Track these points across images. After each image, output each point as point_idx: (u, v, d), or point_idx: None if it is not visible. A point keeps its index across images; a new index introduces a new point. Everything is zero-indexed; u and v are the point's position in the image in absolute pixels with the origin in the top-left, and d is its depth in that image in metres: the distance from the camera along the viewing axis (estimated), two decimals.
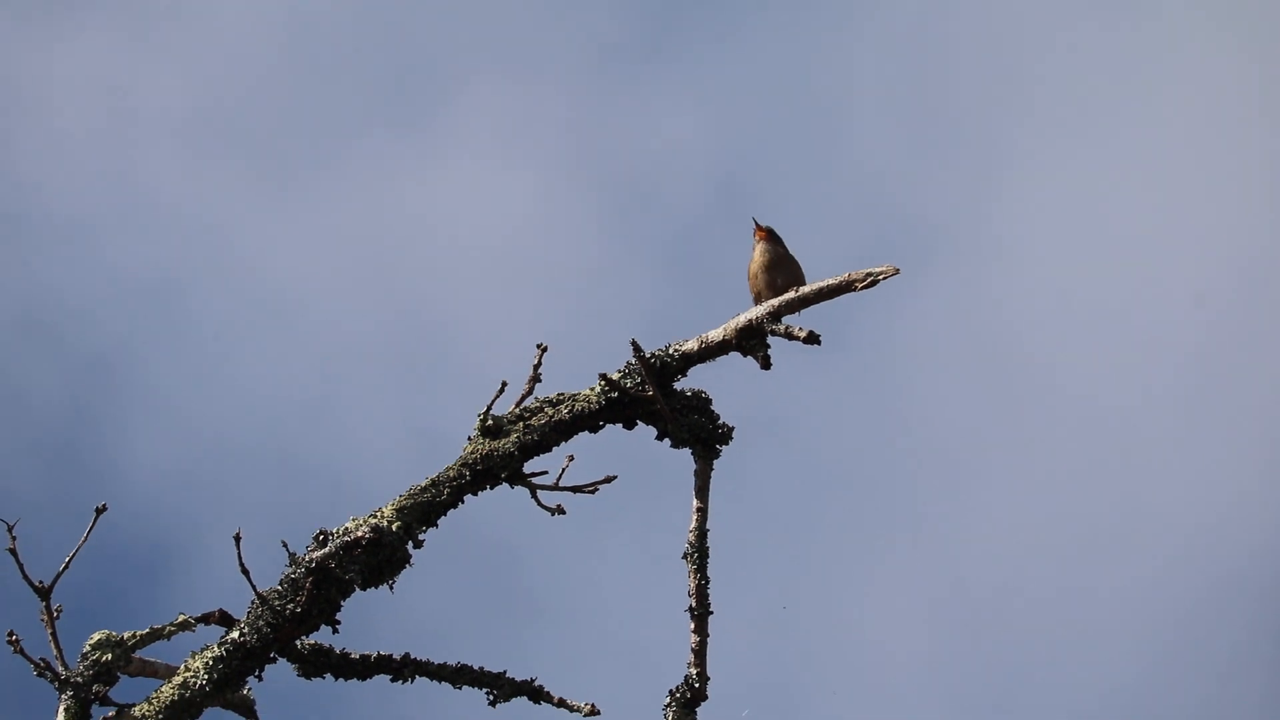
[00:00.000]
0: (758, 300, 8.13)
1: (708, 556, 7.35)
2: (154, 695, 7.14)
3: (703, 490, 7.44)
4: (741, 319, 7.55)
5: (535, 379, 7.59)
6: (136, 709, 7.14)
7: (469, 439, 7.47)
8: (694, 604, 7.30)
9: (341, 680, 7.38)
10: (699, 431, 7.46)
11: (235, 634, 7.17)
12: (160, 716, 7.09)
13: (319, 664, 7.36)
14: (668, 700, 7.24)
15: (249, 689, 7.40)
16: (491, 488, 7.44)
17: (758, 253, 8.25)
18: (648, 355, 7.46)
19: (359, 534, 7.18)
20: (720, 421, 7.48)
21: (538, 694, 7.32)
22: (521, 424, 7.48)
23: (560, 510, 7.54)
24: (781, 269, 8.14)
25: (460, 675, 7.35)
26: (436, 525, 7.34)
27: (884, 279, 7.38)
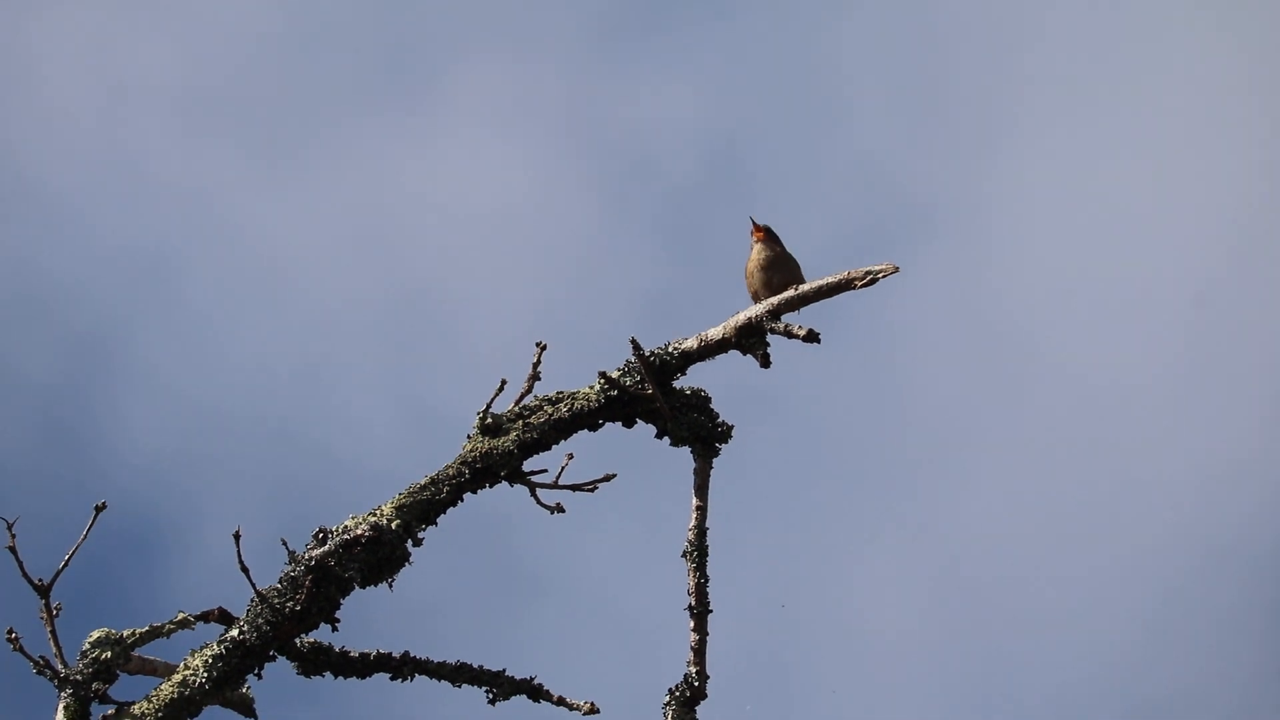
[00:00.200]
0: (755, 299, 8.12)
1: (707, 555, 7.36)
2: (153, 693, 7.15)
3: (702, 488, 7.44)
4: (741, 317, 7.55)
5: (534, 377, 7.59)
6: (136, 707, 7.14)
7: (468, 437, 7.47)
8: (693, 602, 7.30)
9: (341, 678, 7.39)
10: (698, 430, 7.46)
11: (235, 632, 7.17)
12: (160, 714, 7.09)
13: (318, 662, 7.36)
14: (667, 699, 7.24)
15: (248, 687, 7.41)
16: (491, 486, 7.44)
17: (755, 252, 8.23)
18: (647, 353, 7.46)
19: (358, 532, 7.18)
20: (720, 420, 7.48)
21: (537, 692, 7.33)
22: (521, 422, 7.48)
23: (559, 509, 7.54)
24: (779, 268, 8.13)
25: (460, 673, 7.36)
26: (436, 523, 7.34)
27: (883, 277, 7.37)
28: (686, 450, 7.48)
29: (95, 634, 7.31)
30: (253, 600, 7.17)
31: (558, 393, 7.55)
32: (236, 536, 6.97)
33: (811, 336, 7.35)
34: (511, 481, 7.47)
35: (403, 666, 7.39)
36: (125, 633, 7.33)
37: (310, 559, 7.15)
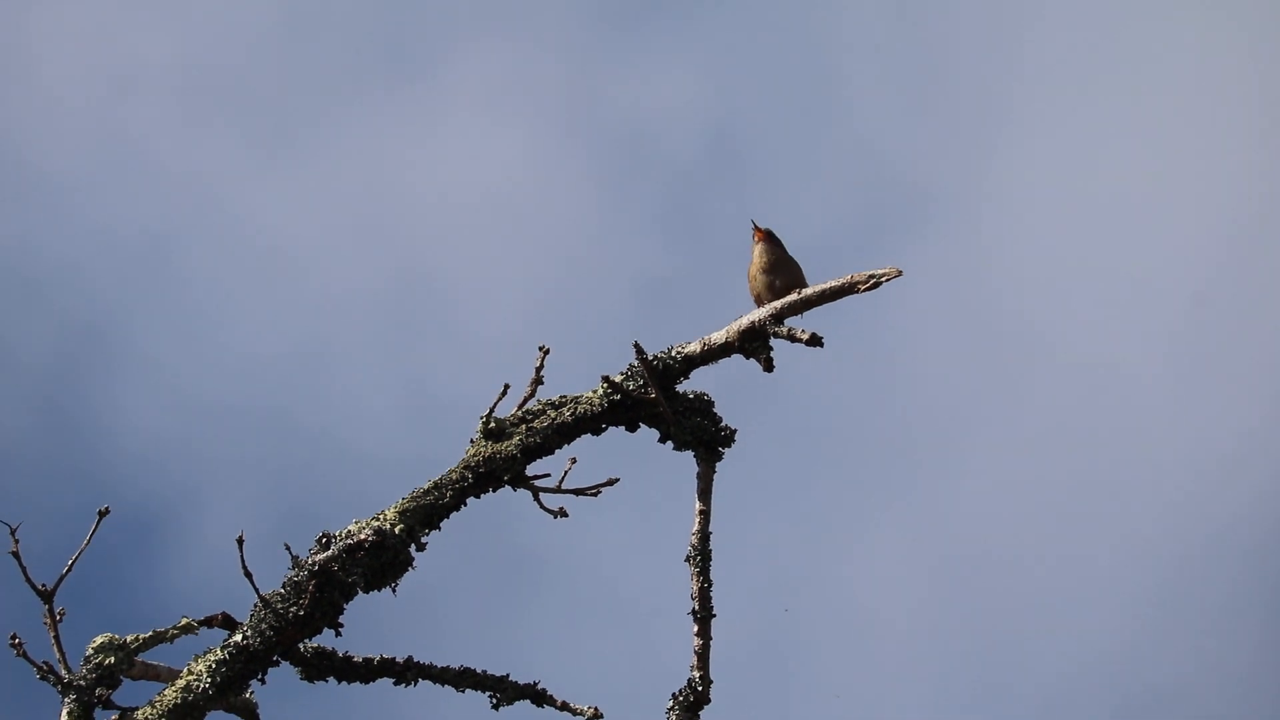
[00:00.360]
0: (758, 302, 8.11)
1: (710, 559, 7.36)
2: (157, 698, 7.15)
3: (705, 493, 7.44)
4: (744, 321, 7.54)
5: (538, 381, 7.58)
6: (139, 712, 7.14)
7: (471, 441, 7.46)
8: (696, 607, 7.30)
9: (344, 683, 7.39)
10: (701, 434, 7.46)
11: (238, 637, 7.17)
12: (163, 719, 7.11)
13: (322, 667, 7.36)
14: (671, 703, 7.25)
15: (252, 692, 7.41)
16: (494, 490, 7.43)
17: (757, 255, 8.23)
18: (650, 357, 7.45)
19: (362, 537, 7.18)
20: (723, 424, 7.48)
21: (540, 697, 7.33)
22: (524, 426, 7.47)
23: (563, 513, 7.54)
24: (781, 271, 8.12)
25: (463, 678, 7.36)
26: (439, 528, 7.34)
27: (886, 280, 7.37)
28: (689, 454, 7.48)
29: (98, 639, 7.31)
30: (256, 605, 7.16)
31: (560, 397, 7.55)
32: (240, 541, 6.97)
33: (815, 340, 7.35)
34: (515, 486, 7.47)
35: (406, 671, 7.39)
36: (128, 638, 7.33)
37: (314, 564, 7.15)
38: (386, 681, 7.39)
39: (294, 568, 7.18)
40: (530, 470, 7.47)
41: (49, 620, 7.27)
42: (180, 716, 7.10)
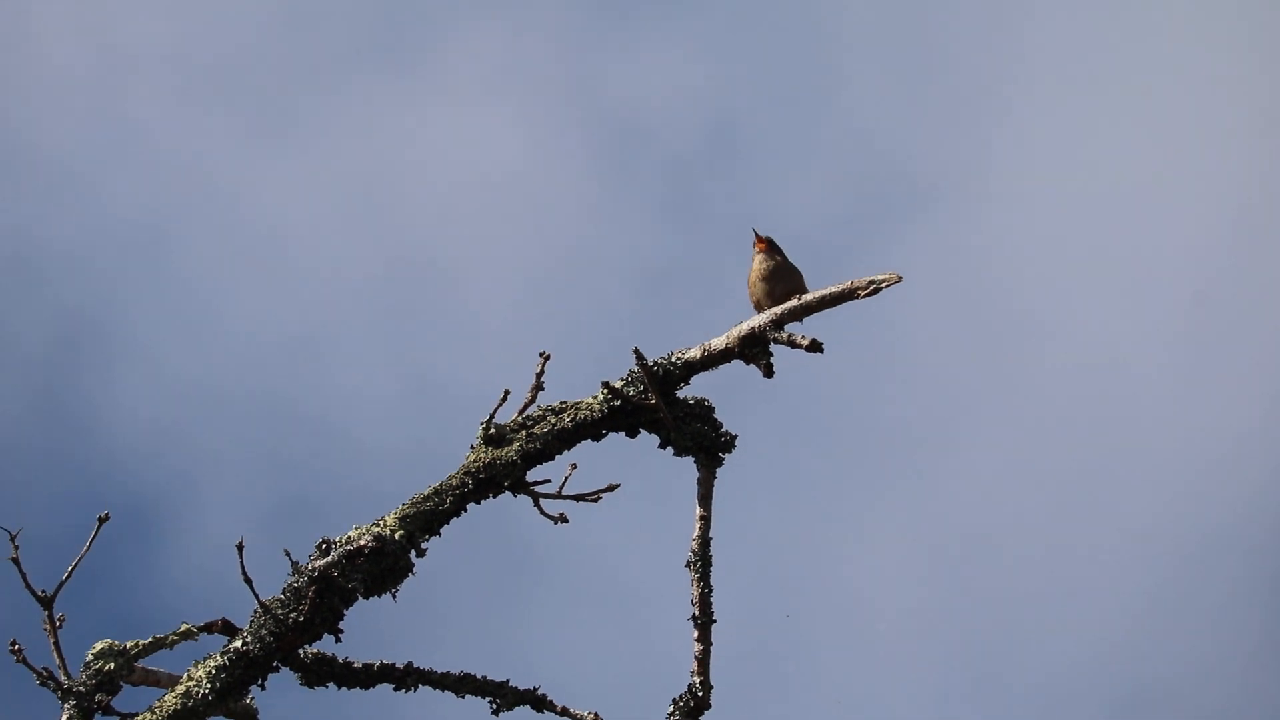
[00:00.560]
0: (758, 308, 8.14)
1: (711, 565, 7.36)
2: (156, 704, 7.15)
3: (705, 498, 7.44)
4: (744, 326, 7.54)
5: (538, 387, 7.58)
6: (139, 718, 7.14)
7: (471, 447, 7.46)
8: (697, 612, 7.31)
9: (344, 689, 7.40)
10: (702, 440, 7.46)
11: (238, 643, 7.18)
12: None
13: (322, 673, 7.36)
14: (671, 709, 7.25)
15: (252, 698, 7.40)
16: (494, 496, 7.43)
17: (757, 262, 8.26)
18: (650, 363, 7.45)
19: (361, 543, 7.18)
20: (723, 429, 7.48)
21: (540, 703, 7.33)
22: (524, 432, 7.47)
23: (563, 518, 7.53)
24: (781, 278, 8.16)
25: (463, 684, 7.37)
26: (439, 534, 7.35)
27: (886, 286, 7.36)
28: (690, 460, 7.48)
29: (98, 645, 7.31)
30: (256, 611, 7.17)
31: (561, 403, 7.55)
32: (239, 547, 6.98)
33: (815, 346, 7.35)
34: (515, 492, 7.47)
35: (406, 677, 7.39)
36: (128, 644, 7.33)
37: (314, 570, 7.15)
38: (386, 687, 7.40)
39: (294, 574, 7.18)
40: (530, 476, 7.47)
41: (48, 626, 7.26)
42: None
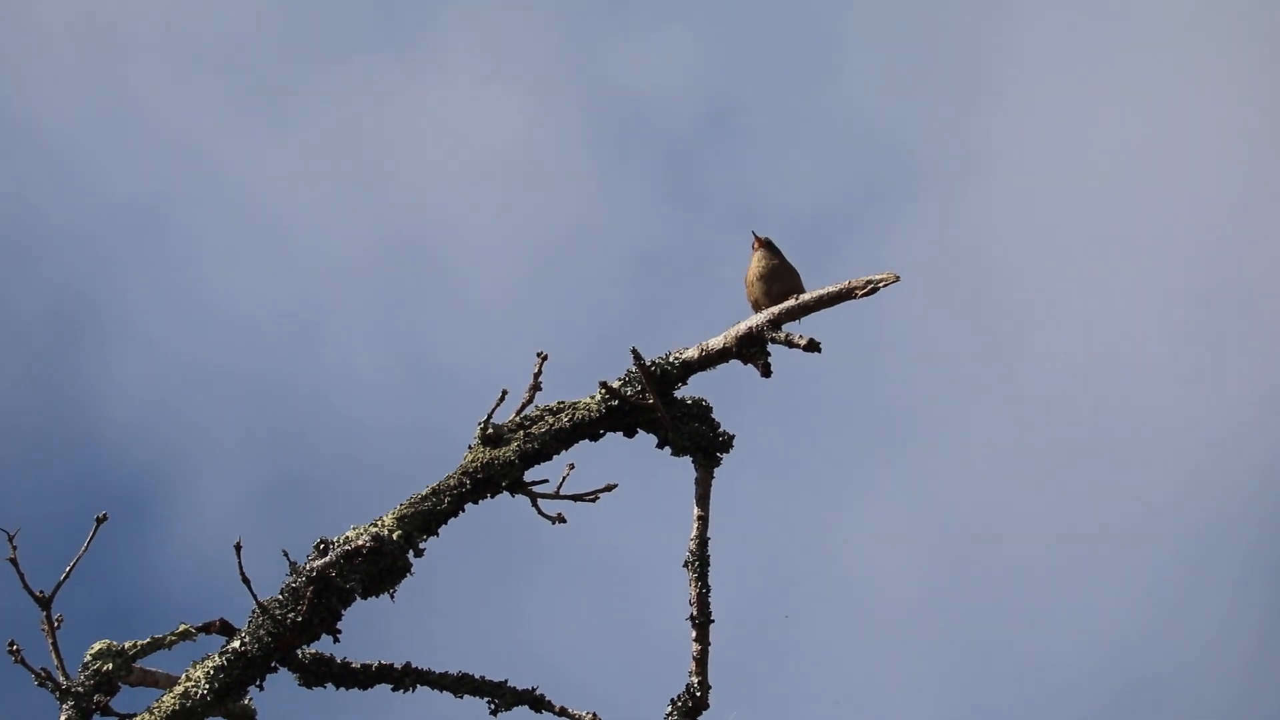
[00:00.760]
0: (756, 308, 8.16)
1: (708, 565, 7.37)
2: (155, 705, 7.15)
3: (703, 498, 7.45)
4: (742, 326, 7.55)
5: (535, 387, 7.58)
6: (138, 718, 7.15)
7: (469, 447, 7.46)
8: (695, 612, 7.32)
9: (343, 690, 7.40)
10: (699, 439, 7.46)
11: (236, 643, 7.18)
12: None
13: (320, 673, 7.37)
14: (669, 709, 7.26)
15: (250, 699, 7.40)
16: (492, 496, 7.44)
17: (754, 262, 8.28)
18: (648, 363, 7.46)
19: (359, 543, 7.18)
20: (721, 429, 7.49)
21: (539, 703, 7.34)
22: (522, 432, 7.47)
23: (561, 519, 7.54)
24: (778, 278, 8.17)
25: (461, 684, 7.37)
26: (437, 534, 7.35)
27: (884, 286, 7.37)
28: (688, 460, 7.49)
29: (96, 645, 7.31)
30: (254, 611, 7.18)
31: (559, 403, 7.55)
32: (238, 547, 6.98)
33: (812, 346, 7.36)
34: (513, 492, 7.47)
35: (404, 677, 7.40)
36: (127, 644, 7.33)
37: (311, 570, 7.16)
38: (385, 687, 7.40)
39: (292, 574, 7.18)
40: (528, 476, 7.48)
41: (47, 626, 7.27)
42: None
